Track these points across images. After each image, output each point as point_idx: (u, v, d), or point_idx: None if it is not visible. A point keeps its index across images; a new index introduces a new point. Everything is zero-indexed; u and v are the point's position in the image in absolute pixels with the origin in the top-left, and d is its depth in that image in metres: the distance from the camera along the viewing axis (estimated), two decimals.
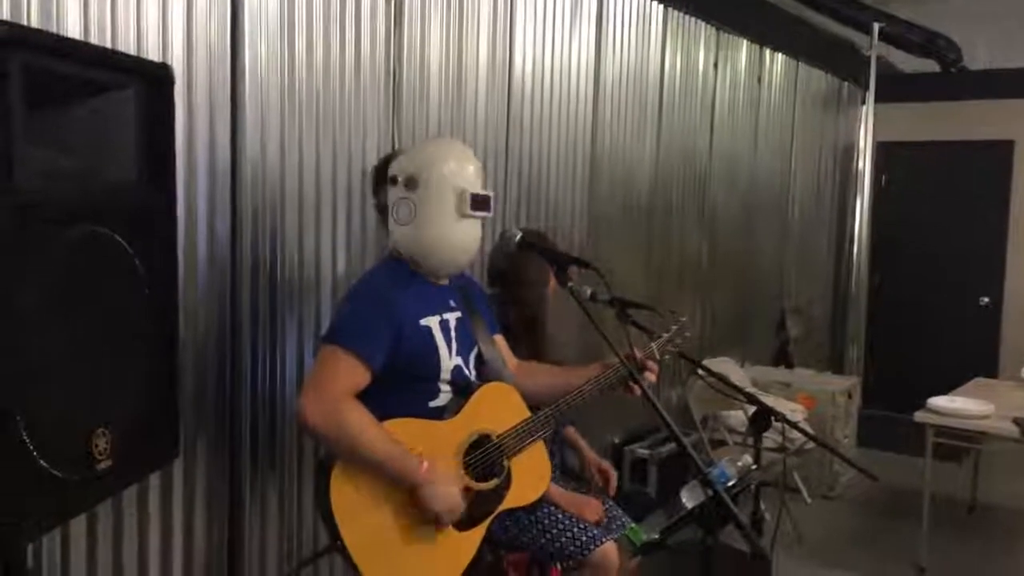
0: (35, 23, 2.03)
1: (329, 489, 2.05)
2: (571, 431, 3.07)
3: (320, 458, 2.19)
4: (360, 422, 2.05)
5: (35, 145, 1.48)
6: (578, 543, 2.51)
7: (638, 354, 2.37)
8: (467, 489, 2.19)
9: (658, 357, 2.47)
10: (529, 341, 2.94)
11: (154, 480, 2.41)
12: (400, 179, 2.20)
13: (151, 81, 1.76)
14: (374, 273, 2.38)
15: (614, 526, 2.69)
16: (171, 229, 1.88)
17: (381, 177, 2.28)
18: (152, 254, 1.76)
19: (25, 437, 1.44)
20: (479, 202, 2.21)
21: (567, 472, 3.01)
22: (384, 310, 2.16)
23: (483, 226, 2.33)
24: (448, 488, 2.12)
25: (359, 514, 2.07)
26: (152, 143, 1.78)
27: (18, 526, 1.49)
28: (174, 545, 2.51)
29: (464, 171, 2.22)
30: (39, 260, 1.47)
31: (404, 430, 2.11)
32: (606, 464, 2.99)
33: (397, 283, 2.23)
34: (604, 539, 2.54)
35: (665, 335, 2.51)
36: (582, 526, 2.56)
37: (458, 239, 2.24)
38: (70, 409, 1.55)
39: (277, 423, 2.78)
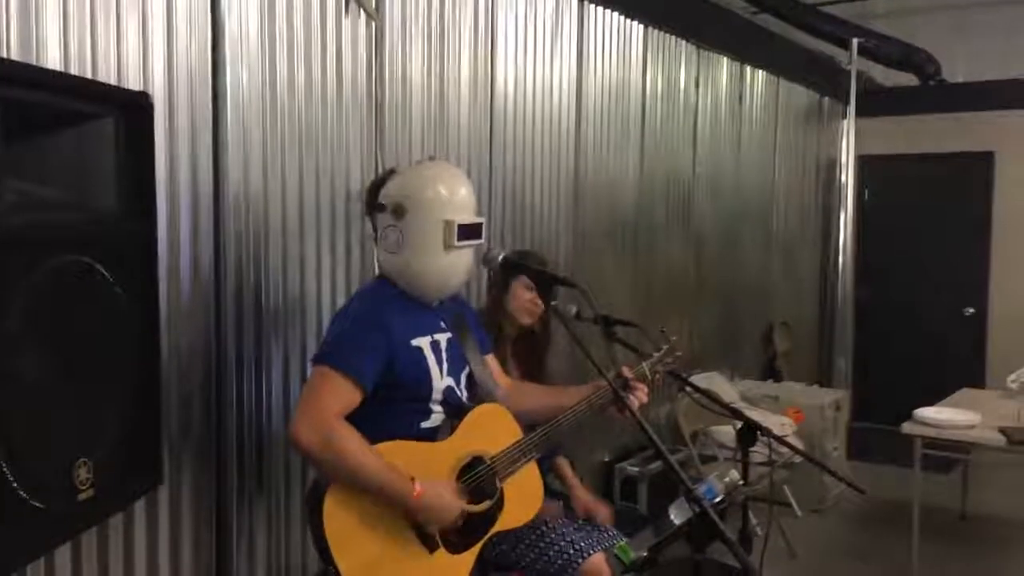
0: (15, 55, 2.03)
1: (322, 516, 2.04)
2: (562, 463, 2.99)
3: (312, 485, 2.18)
4: (351, 444, 2.04)
5: (14, 176, 1.49)
6: (566, 556, 2.51)
7: (628, 374, 2.38)
8: (460, 512, 2.18)
9: (649, 378, 2.48)
10: (522, 359, 2.95)
11: (139, 508, 2.39)
12: (388, 206, 2.20)
13: (130, 109, 1.77)
14: (365, 293, 2.38)
15: (604, 537, 2.69)
16: (153, 256, 1.88)
17: (372, 200, 2.27)
18: (134, 282, 1.77)
19: (5, 468, 1.43)
20: (468, 231, 2.21)
21: (551, 495, 2.99)
22: (375, 330, 2.16)
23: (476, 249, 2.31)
24: (442, 503, 2.10)
25: (353, 540, 2.06)
26: (132, 171, 1.79)
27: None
28: (161, 572, 2.48)
29: (454, 200, 2.20)
30: (19, 290, 1.47)
31: (397, 453, 2.11)
32: (594, 505, 2.85)
33: (388, 303, 2.23)
34: (592, 551, 2.54)
35: (655, 355, 2.52)
36: (570, 539, 2.56)
37: (445, 270, 2.23)
38: (51, 439, 1.55)
39: (264, 449, 2.77)
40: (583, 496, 2.90)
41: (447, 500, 2.12)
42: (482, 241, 2.28)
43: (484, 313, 2.95)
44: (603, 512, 2.81)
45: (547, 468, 2.97)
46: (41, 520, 1.51)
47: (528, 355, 2.98)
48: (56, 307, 1.57)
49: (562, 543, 2.53)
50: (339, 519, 2.05)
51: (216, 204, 2.60)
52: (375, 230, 2.29)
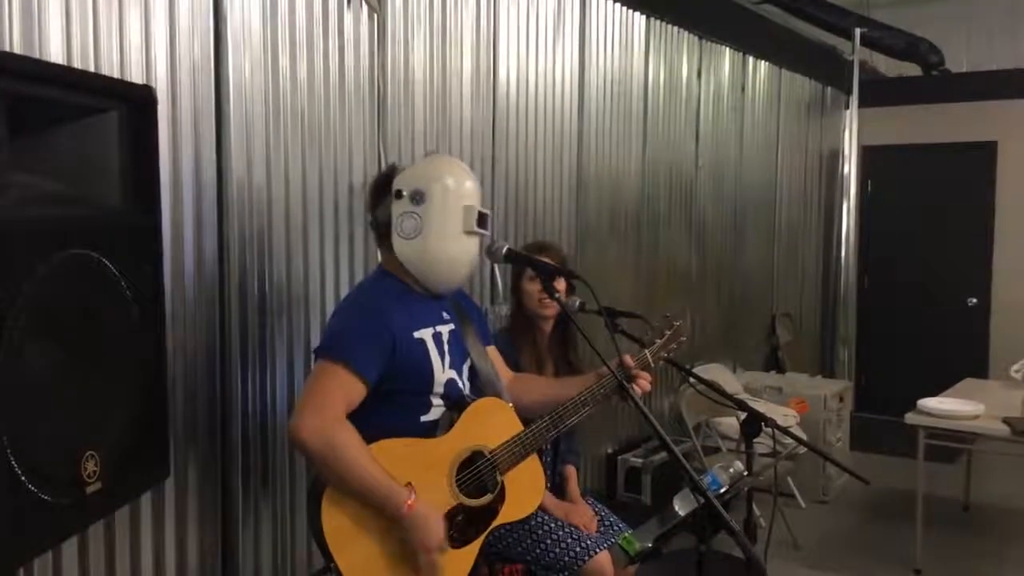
0: (17, 48, 2.04)
1: (320, 513, 2.04)
2: (570, 472, 2.97)
3: (312, 481, 2.18)
4: (349, 444, 2.02)
5: (19, 170, 1.49)
6: (572, 553, 2.51)
7: (631, 361, 2.38)
8: (460, 507, 2.18)
9: (652, 364, 2.48)
10: (555, 356, 2.95)
11: (146, 500, 2.40)
12: (406, 193, 2.20)
13: (134, 103, 1.77)
14: (366, 286, 2.37)
15: (609, 532, 2.69)
16: (157, 250, 1.88)
17: (381, 192, 2.27)
18: (139, 275, 1.77)
19: (13, 462, 1.43)
20: (482, 220, 2.24)
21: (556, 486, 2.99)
22: (378, 323, 2.16)
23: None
24: (429, 525, 2.07)
25: (352, 537, 2.05)
26: (137, 164, 1.78)
27: (7, 550, 1.48)
28: (167, 565, 2.50)
29: (467, 188, 2.24)
30: (25, 283, 1.47)
31: (396, 453, 2.10)
32: (577, 516, 2.72)
33: (390, 296, 2.23)
34: (598, 548, 2.54)
35: (659, 341, 2.52)
36: (576, 536, 2.56)
37: (462, 254, 2.25)
38: (58, 433, 1.55)
39: (268, 441, 2.77)
40: (576, 504, 2.82)
41: (433, 527, 2.07)
42: (488, 232, 2.30)
43: (513, 320, 2.95)
44: (585, 520, 2.70)
45: (554, 454, 2.97)
46: (49, 513, 1.52)
47: (561, 353, 2.99)
48: (62, 301, 1.57)
49: (569, 540, 2.53)
50: (338, 516, 2.04)
51: (219, 198, 2.60)
52: (380, 222, 2.28)
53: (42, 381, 1.52)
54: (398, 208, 2.21)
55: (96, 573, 2.29)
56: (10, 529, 1.46)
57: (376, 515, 2.06)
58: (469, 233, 2.23)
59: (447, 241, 2.21)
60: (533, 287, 2.88)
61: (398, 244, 2.23)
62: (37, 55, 2.07)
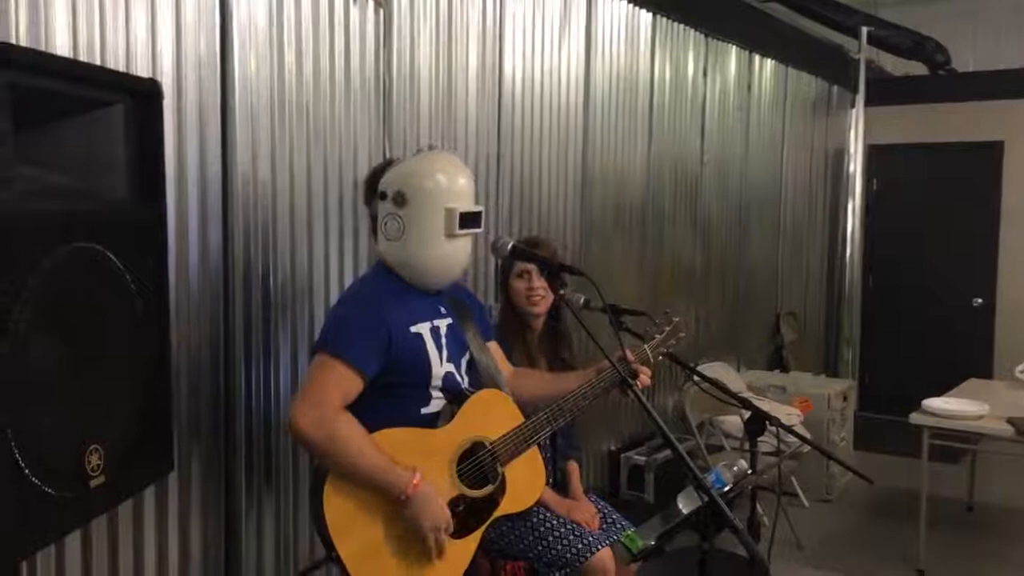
0: (23, 41, 2.04)
1: (322, 501, 2.05)
2: (572, 468, 2.97)
3: (314, 471, 2.18)
4: (350, 433, 2.05)
5: (24, 163, 1.49)
6: (574, 550, 2.51)
7: (631, 356, 2.37)
8: (461, 497, 2.19)
9: (651, 359, 2.48)
10: (547, 354, 2.95)
11: (149, 493, 2.40)
12: (389, 194, 2.20)
13: (140, 96, 1.77)
14: (364, 281, 2.38)
15: (612, 530, 2.69)
16: (162, 244, 1.88)
17: (372, 189, 2.28)
18: (144, 269, 1.77)
19: (17, 455, 1.44)
20: (468, 220, 2.21)
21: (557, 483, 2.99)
22: (375, 317, 2.17)
23: (474, 238, 2.32)
24: (434, 504, 2.10)
25: (353, 526, 2.06)
26: (142, 158, 1.79)
27: (11, 543, 1.48)
28: (170, 558, 2.50)
29: (454, 188, 2.21)
30: (31, 277, 1.47)
31: (397, 440, 2.11)
32: (579, 512, 2.72)
33: (387, 290, 2.24)
34: (600, 545, 2.53)
35: (658, 337, 2.52)
36: (578, 532, 2.55)
37: (446, 258, 2.24)
38: (62, 426, 1.56)
39: (272, 434, 2.78)
40: (578, 501, 2.82)
41: (437, 507, 2.10)
42: (481, 229, 2.29)
43: (502, 317, 2.95)
44: (587, 517, 2.70)
45: (555, 449, 2.96)
46: (52, 506, 1.52)
47: (553, 350, 2.98)
48: (67, 294, 1.57)
49: (571, 537, 2.53)
50: (339, 504, 2.05)
51: (224, 192, 2.60)
52: (373, 219, 2.29)
53: (46, 374, 1.52)
54: (383, 209, 2.22)
55: (99, 566, 2.30)
56: (13, 522, 1.46)
57: (377, 503, 2.08)
58: (452, 236, 2.20)
59: (428, 246, 2.20)
60: (520, 284, 2.88)
61: (383, 245, 2.24)
62: (43, 48, 2.07)
